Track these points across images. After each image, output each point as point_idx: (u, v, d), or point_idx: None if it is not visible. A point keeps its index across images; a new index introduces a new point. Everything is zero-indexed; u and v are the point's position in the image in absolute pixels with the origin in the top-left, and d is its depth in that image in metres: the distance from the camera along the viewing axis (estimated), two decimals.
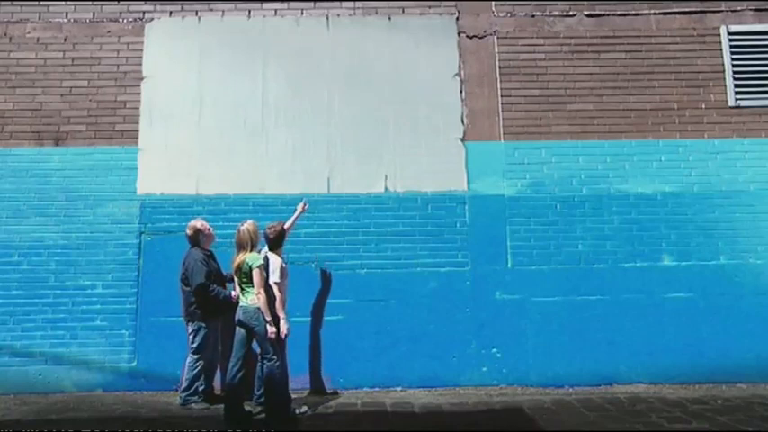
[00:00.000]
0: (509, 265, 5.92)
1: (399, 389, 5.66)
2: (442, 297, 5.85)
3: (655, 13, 6.42)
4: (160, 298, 5.75)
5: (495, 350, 5.79)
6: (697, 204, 6.05)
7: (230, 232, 5.66)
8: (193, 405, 5.03)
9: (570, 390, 5.60)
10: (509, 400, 5.25)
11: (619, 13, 6.42)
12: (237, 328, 4.79)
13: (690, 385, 5.66)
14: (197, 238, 5.30)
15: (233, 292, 5.07)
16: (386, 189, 6.06)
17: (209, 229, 5.39)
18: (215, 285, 5.14)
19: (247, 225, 4.86)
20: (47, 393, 5.56)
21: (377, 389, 5.66)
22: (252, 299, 4.69)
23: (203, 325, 5.12)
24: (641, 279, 5.90)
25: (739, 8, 6.44)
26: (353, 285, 5.83)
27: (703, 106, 6.26)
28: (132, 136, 6.11)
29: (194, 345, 5.11)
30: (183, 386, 5.11)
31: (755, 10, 6.44)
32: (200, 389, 5.13)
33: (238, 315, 4.75)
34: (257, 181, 6.05)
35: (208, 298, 5.09)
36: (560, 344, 5.78)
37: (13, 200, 5.96)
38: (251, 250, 4.78)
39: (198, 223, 5.35)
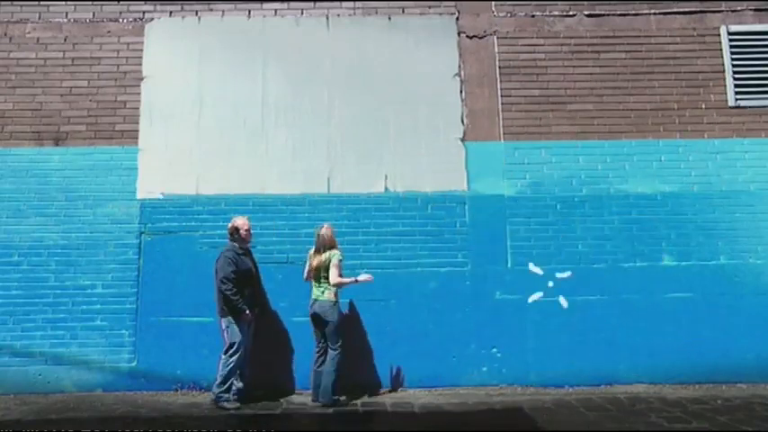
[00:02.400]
0: (509, 265, 5.91)
1: (399, 389, 5.66)
2: (442, 297, 5.85)
3: (655, 13, 6.42)
4: (160, 298, 5.76)
5: (495, 350, 5.79)
6: (697, 204, 6.05)
7: None
8: (225, 404, 4.98)
9: (570, 390, 5.60)
10: (509, 400, 5.25)
11: (619, 13, 6.42)
12: (313, 323, 5.20)
13: (690, 385, 5.66)
14: (232, 235, 5.27)
15: (247, 312, 5.07)
16: (386, 189, 6.06)
17: (246, 231, 5.31)
18: (235, 287, 5.02)
19: (326, 229, 5.29)
20: (47, 393, 5.56)
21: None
22: (328, 293, 5.12)
23: (234, 321, 5.05)
24: (641, 279, 5.90)
25: (739, 8, 6.44)
26: (353, 285, 5.82)
27: (703, 106, 6.26)
28: (132, 136, 6.10)
29: (227, 341, 5.07)
30: (217, 382, 5.05)
31: (755, 10, 6.44)
32: (234, 388, 5.09)
33: (314, 309, 5.15)
34: (257, 181, 6.04)
35: (225, 295, 5.01)
36: (560, 344, 5.77)
37: (13, 200, 5.95)
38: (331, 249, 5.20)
39: (240, 221, 5.31)
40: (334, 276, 5.08)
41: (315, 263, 5.19)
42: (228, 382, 5.05)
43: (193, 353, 5.66)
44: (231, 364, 5.03)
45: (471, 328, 5.81)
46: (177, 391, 5.58)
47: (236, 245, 5.25)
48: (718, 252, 5.96)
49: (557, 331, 5.79)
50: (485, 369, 5.76)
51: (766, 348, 5.76)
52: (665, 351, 5.76)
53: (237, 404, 5.04)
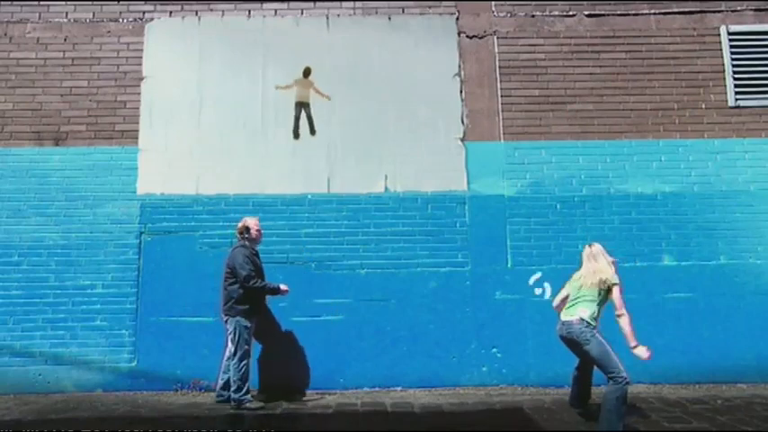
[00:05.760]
0: (509, 265, 5.92)
1: (399, 389, 5.66)
2: (442, 297, 5.85)
3: (655, 13, 6.42)
4: (160, 298, 5.76)
5: (495, 350, 5.79)
6: (697, 204, 6.05)
7: (230, 232, 5.70)
8: (249, 405, 4.93)
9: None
10: (509, 400, 5.25)
11: (619, 13, 6.42)
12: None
13: (690, 385, 5.66)
14: (242, 234, 5.24)
15: (281, 285, 5.21)
16: (386, 189, 6.05)
17: (257, 230, 5.31)
18: (259, 279, 5.13)
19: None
20: (47, 393, 5.56)
21: (377, 389, 5.66)
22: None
23: (242, 322, 5.02)
24: (641, 279, 5.89)
25: (739, 8, 6.44)
26: (353, 285, 5.83)
27: (703, 106, 6.26)
28: (132, 136, 6.10)
29: (233, 344, 5.02)
30: (233, 388, 4.95)
31: (755, 10, 6.44)
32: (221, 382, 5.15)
33: None
34: (257, 181, 6.04)
35: (255, 291, 5.06)
36: (560, 344, 5.76)
37: (13, 200, 5.95)
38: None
39: (251, 221, 5.31)
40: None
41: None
42: (246, 386, 4.98)
43: (193, 353, 5.66)
44: (243, 368, 4.99)
45: (471, 328, 5.81)
46: (177, 391, 5.59)
47: (248, 244, 5.21)
48: (718, 252, 5.96)
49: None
50: (485, 369, 5.76)
51: (766, 348, 5.77)
52: (665, 351, 5.74)
53: (261, 403, 5.04)
